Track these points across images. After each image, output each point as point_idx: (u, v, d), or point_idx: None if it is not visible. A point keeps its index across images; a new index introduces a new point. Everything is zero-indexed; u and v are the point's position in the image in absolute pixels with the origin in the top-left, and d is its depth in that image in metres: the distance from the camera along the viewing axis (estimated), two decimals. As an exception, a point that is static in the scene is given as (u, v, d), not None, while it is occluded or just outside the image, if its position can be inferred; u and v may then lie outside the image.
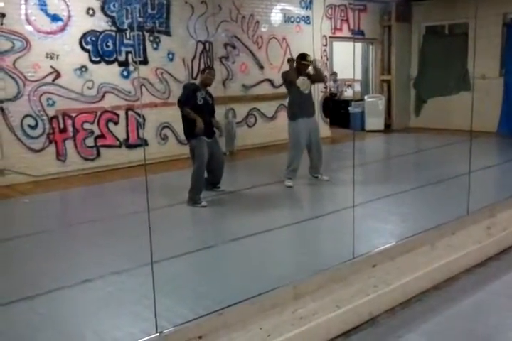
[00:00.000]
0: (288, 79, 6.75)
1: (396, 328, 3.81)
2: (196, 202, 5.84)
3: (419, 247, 4.39)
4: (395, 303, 4.11)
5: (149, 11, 8.55)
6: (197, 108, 5.92)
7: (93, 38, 8.00)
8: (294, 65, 6.74)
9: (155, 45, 8.69)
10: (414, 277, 4.28)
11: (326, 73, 11.09)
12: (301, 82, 6.70)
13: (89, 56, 8.00)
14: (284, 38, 10.53)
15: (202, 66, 9.23)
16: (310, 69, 6.78)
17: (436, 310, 4.06)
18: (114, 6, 8.13)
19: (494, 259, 5.11)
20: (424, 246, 4.44)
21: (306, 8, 10.83)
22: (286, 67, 10.45)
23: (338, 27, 11.51)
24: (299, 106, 6.70)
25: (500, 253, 5.23)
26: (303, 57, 6.76)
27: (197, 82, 6.75)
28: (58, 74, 7.70)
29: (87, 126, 8.08)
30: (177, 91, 8.90)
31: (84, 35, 7.90)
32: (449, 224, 4.76)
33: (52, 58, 7.62)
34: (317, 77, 6.92)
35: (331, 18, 11.33)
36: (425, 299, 4.26)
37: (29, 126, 7.53)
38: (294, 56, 10.49)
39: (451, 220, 4.81)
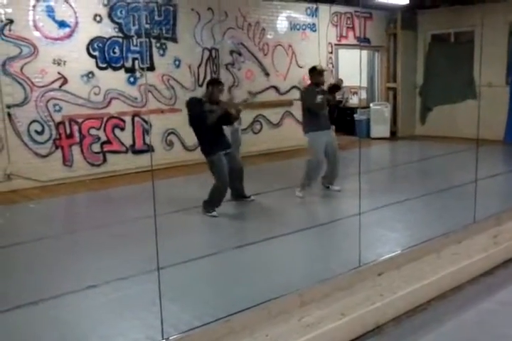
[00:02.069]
0: (308, 103, 6.48)
1: (401, 338, 3.79)
2: (208, 211, 5.83)
3: (425, 256, 4.37)
4: (401, 312, 4.08)
5: (156, 17, 8.59)
6: (207, 125, 5.66)
7: (100, 45, 8.05)
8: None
9: (161, 52, 8.73)
10: (420, 286, 4.26)
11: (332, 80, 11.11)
12: (320, 101, 6.40)
13: (96, 62, 8.05)
14: (289, 46, 10.57)
15: (208, 73, 9.28)
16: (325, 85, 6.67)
17: (442, 319, 4.04)
18: (121, 12, 8.18)
19: (501, 268, 5.08)
20: (430, 254, 4.42)
21: (312, 16, 10.87)
22: (291, 75, 10.62)
23: (344, 34, 11.54)
24: (315, 122, 6.51)
25: (506, 262, 5.20)
26: (314, 68, 6.65)
27: (203, 93, 6.24)
28: (65, 80, 7.74)
29: (93, 131, 8.12)
30: (183, 98, 8.97)
31: (91, 42, 7.95)
32: (455, 232, 4.74)
33: (59, 64, 7.67)
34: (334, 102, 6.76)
35: (336, 26, 11.36)
36: (431, 308, 4.23)
37: (36, 131, 7.56)
38: (300, 63, 10.68)
39: (457, 229, 4.80)
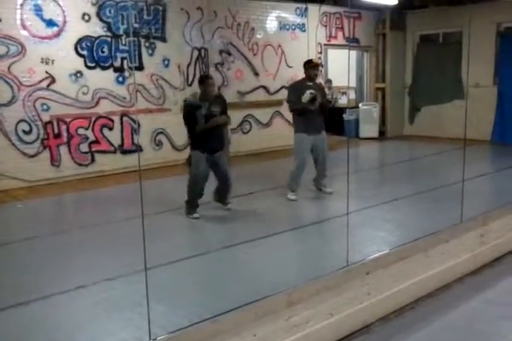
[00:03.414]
0: (291, 99, 6.34)
1: (389, 336, 3.82)
2: (189, 212, 5.80)
3: (413, 255, 4.40)
4: (389, 311, 4.11)
5: (145, 17, 8.56)
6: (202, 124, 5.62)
7: (88, 44, 8.00)
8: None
9: (150, 51, 8.70)
10: (407, 285, 4.29)
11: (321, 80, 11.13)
12: (308, 97, 6.14)
13: (85, 61, 8.00)
14: (279, 45, 10.57)
15: (197, 72, 9.25)
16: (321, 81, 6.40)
17: (430, 318, 4.07)
18: (109, 11, 8.14)
19: (487, 267, 5.13)
20: (418, 253, 4.45)
21: (302, 16, 10.89)
22: (280, 75, 10.63)
23: (333, 35, 11.57)
24: (303, 123, 6.32)
25: (493, 261, 5.25)
26: (310, 61, 6.44)
27: (193, 92, 6.25)
28: (53, 80, 7.69)
29: (81, 131, 8.07)
30: (172, 98, 8.98)
31: (79, 41, 7.91)
32: (443, 232, 4.78)
33: (47, 63, 7.62)
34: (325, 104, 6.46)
35: (326, 26, 11.39)
36: (419, 307, 4.27)
37: (23, 131, 7.51)
38: (289, 63, 10.70)
39: (444, 228, 4.83)
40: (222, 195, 6.11)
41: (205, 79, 5.77)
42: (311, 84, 6.33)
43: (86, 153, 8.15)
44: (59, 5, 7.63)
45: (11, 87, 7.32)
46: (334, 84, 13.40)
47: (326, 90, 6.69)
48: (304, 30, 10.92)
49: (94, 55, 8.09)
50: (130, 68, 8.40)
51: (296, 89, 6.39)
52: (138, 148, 8.72)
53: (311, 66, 6.35)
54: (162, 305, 3.38)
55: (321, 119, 6.46)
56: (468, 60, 9.72)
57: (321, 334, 3.61)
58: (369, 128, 12.18)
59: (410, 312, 4.19)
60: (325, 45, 11.40)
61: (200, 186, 5.78)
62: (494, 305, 4.35)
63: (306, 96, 6.11)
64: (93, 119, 8.17)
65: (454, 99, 11.43)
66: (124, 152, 8.54)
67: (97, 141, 8.25)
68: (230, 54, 9.80)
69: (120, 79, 8.39)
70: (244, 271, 4.22)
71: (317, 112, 6.31)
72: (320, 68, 6.30)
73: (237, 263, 4.41)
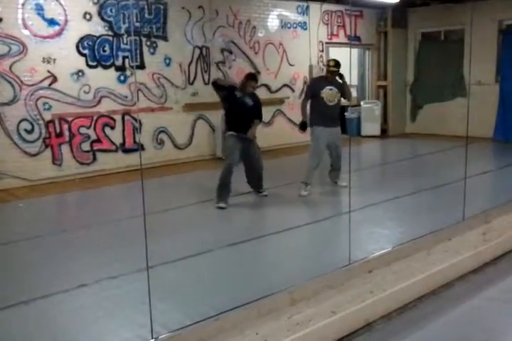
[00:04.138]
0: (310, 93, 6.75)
1: (392, 334, 3.81)
2: (217, 201, 5.93)
3: (416, 253, 4.39)
4: (391, 309, 4.11)
5: (146, 15, 8.55)
6: (234, 106, 6.17)
7: (90, 43, 8.00)
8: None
9: (152, 50, 8.69)
10: (410, 283, 4.28)
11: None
12: (328, 93, 6.49)
13: (86, 60, 8.00)
14: (280, 44, 10.56)
15: (199, 71, 9.26)
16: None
17: (432, 315, 4.06)
18: (111, 10, 8.13)
19: (490, 265, 5.12)
20: (421, 251, 4.45)
21: (303, 14, 10.87)
22: (282, 73, 10.62)
23: (335, 33, 11.55)
24: (316, 116, 6.57)
25: (495, 259, 5.24)
26: (328, 61, 6.80)
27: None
28: (55, 79, 7.69)
29: (83, 130, 8.07)
30: (173, 96, 8.98)
31: (81, 40, 7.90)
32: (445, 229, 4.77)
33: (48, 62, 7.62)
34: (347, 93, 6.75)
35: (327, 24, 11.37)
36: (421, 305, 4.26)
37: (25, 130, 7.51)
38: (291, 62, 10.69)
39: (447, 226, 4.82)
40: (253, 183, 6.38)
41: (253, 78, 6.41)
42: (330, 81, 6.60)
43: (88, 151, 8.16)
44: (60, 4, 7.63)
45: (13, 86, 7.32)
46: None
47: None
48: (306, 29, 10.91)
49: (96, 54, 8.08)
50: (131, 67, 8.39)
51: (312, 84, 6.89)
52: (139, 147, 8.72)
53: (330, 65, 6.69)
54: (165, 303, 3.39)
55: (338, 114, 6.76)
56: (471, 57, 9.72)
57: (323, 332, 3.61)
58: (371, 126, 12.16)
59: (413, 310, 4.18)
60: (326, 43, 11.38)
61: (229, 170, 5.96)
62: (497, 302, 4.34)
63: (325, 91, 6.45)
64: (95, 118, 8.17)
65: (456, 97, 11.42)
66: (126, 151, 8.54)
67: (98, 140, 8.25)
68: (231, 52, 9.79)
69: (122, 78, 8.39)
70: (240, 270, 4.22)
71: (335, 107, 6.61)
72: (334, 69, 6.63)
73: (232, 264, 4.41)
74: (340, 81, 6.62)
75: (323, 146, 6.65)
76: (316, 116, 6.59)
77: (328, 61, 6.95)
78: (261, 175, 6.36)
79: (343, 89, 6.62)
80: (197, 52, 9.28)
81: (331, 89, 6.45)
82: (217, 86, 6.18)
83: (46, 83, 7.63)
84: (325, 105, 6.51)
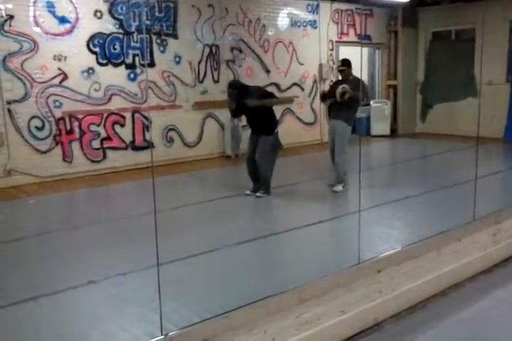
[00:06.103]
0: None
1: (401, 334, 3.80)
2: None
3: (425, 253, 4.38)
4: (400, 309, 4.10)
5: (157, 14, 8.58)
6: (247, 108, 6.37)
7: (100, 41, 8.03)
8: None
9: (162, 48, 8.71)
10: (419, 283, 4.27)
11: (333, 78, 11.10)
12: (339, 91, 6.69)
13: (97, 58, 8.03)
14: (290, 42, 10.55)
15: (209, 69, 9.28)
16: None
17: (442, 316, 4.05)
18: (121, 8, 8.16)
19: (500, 266, 5.09)
20: (430, 252, 4.43)
21: (313, 13, 10.85)
22: (292, 72, 10.61)
23: (345, 31, 11.52)
24: (329, 111, 7.11)
25: (506, 260, 5.21)
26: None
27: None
28: (65, 76, 7.73)
29: (93, 128, 8.11)
30: (183, 95, 8.99)
31: (91, 38, 7.93)
32: (455, 230, 4.75)
33: (59, 60, 7.65)
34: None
35: (337, 23, 11.34)
36: (430, 305, 4.25)
37: (36, 127, 7.56)
38: (301, 60, 10.67)
39: (457, 226, 4.80)
40: (257, 177, 6.47)
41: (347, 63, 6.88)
42: (345, 80, 6.86)
43: (98, 149, 8.19)
44: (71, 2, 7.66)
45: (24, 84, 7.37)
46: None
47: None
48: (316, 27, 10.89)
49: (106, 51, 8.11)
50: (142, 65, 8.42)
51: (335, 83, 7.21)
52: (150, 145, 8.75)
53: (338, 66, 7.17)
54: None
55: (347, 110, 6.85)
56: (482, 57, 9.66)
57: (331, 331, 3.61)
58: (380, 126, 12.12)
59: (422, 310, 4.17)
60: (336, 42, 11.36)
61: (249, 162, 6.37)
62: (506, 303, 4.32)
63: (339, 90, 6.66)
64: (105, 116, 8.21)
65: (466, 97, 11.37)
66: (136, 148, 8.56)
67: (108, 138, 8.29)
68: (241, 51, 9.79)
69: (132, 75, 8.42)
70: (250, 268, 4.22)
71: (345, 104, 6.69)
72: (341, 68, 6.97)
73: (241, 262, 4.41)
74: (356, 77, 6.85)
75: (330, 140, 6.96)
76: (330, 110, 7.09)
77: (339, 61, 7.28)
78: (264, 176, 6.35)
79: (356, 86, 6.66)
80: (207, 50, 9.29)
81: (343, 87, 6.65)
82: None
83: (57, 80, 7.67)
84: (335, 101, 6.78)
